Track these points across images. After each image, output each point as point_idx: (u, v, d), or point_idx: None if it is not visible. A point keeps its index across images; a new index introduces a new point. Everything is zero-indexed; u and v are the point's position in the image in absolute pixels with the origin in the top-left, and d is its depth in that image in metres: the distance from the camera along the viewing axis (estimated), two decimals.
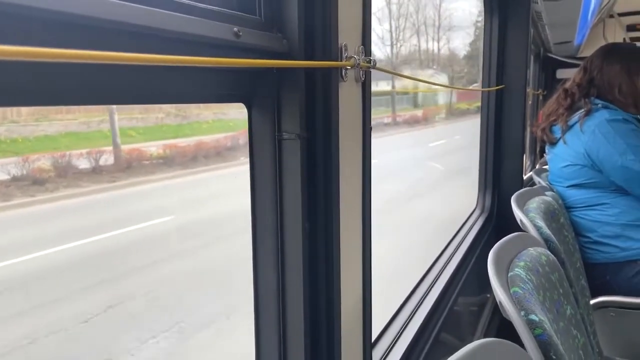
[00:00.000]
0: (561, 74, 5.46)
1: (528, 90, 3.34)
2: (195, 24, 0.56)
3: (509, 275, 0.96)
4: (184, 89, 0.65)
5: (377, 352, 1.22)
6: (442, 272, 1.81)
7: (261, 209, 0.82)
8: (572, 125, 2.15)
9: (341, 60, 0.81)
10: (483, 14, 2.64)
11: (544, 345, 0.81)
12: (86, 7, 0.44)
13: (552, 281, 1.07)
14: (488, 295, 2.31)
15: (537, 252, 1.10)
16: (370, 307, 0.99)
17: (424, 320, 1.44)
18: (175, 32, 0.54)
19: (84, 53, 0.39)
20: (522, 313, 0.84)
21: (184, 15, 0.55)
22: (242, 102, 0.77)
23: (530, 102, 4.59)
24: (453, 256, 1.99)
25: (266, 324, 0.86)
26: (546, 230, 1.42)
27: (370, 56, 0.90)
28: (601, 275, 2.07)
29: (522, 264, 1.00)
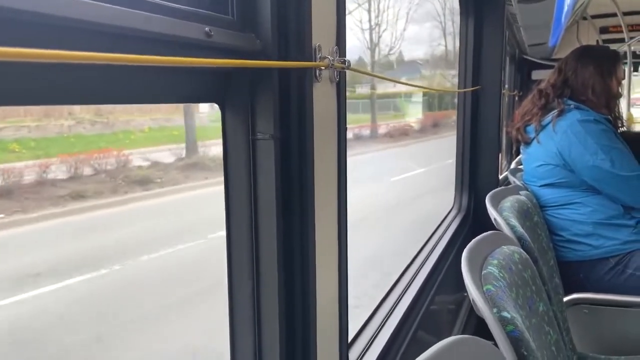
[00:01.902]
0: (536, 75, 5.55)
1: (503, 91, 3.39)
2: (165, 24, 0.56)
3: (482, 273, 0.97)
4: (157, 89, 0.64)
5: (353, 352, 1.23)
6: (419, 272, 1.83)
7: (235, 210, 0.82)
8: (546, 126, 2.19)
9: (315, 61, 0.81)
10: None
11: (516, 341, 0.82)
12: (56, 6, 0.44)
13: (524, 279, 1.08)
14: (465, 294, 2.33)
15: (510, 250, 1.11)
16: (347, 307, 1.00)
17: (400, 320, 1.44)
18: (144, 31, 0.53)
19: (53, 53, 0.39)
20: (495, 310, 0.85)
21: (153, 15, 0.54)
22: (216, 103, 0.77)
23: (506, 103, 4.66)
24: (430, 256, 2.00)
25: (241, 324, 0.86)
26: (520, 229, 1.44)
27: (345, 57, 0.90)
28: (574, 273, 2.11)
29: (495, 262, 1.02)
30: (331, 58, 0.85)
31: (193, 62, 0.56)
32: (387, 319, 1.44)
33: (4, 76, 0.44)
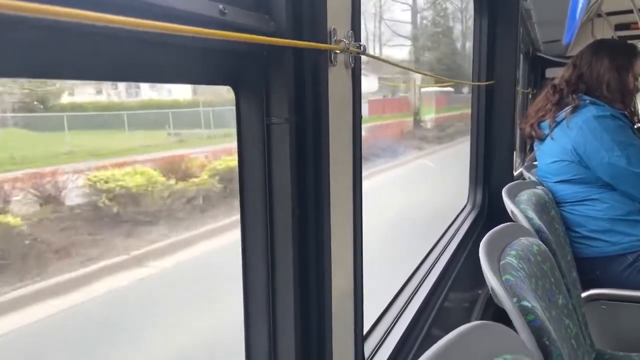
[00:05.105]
0: (550, 73, 5.47)
1: (517, 88, 3.35)
2: None
3: (500, 263, 0.95)
4: (170, 68, 0.63)
5: (368, 345, 1.21)
6: (433, 267, 1.80)
7: (250, 195, 0.80)
8: (560, 122, 2.16)
9: (330, 44, 0.79)
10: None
11: (537, 330, 0.80)
12: None
13: (543, 270, 1.06)
14: (480, 291, 2.30)
15: (528, 241, 1.09)
16: (362, 299, 0.98)
17: (415, 314, 1.42)
18: (157, 5, 0.52)
19: (63, 10, 0.38)
20: (515, 299, 0.83)
21: None
22: (230, 85, 0.76)
23: (519, 101, 4.61)
24: (444, 251, 1.98)
25: (255, 315, 0.84)
26: (537, 221, 1.42)
27: (360, 41, 0.89)
28: (591, 270, 2.08)
29: (513, 252, 0.99)
30: (346, 42, 0.83)
31: (206, 33, 0.55)
32: (401, 314, 1.42)
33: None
